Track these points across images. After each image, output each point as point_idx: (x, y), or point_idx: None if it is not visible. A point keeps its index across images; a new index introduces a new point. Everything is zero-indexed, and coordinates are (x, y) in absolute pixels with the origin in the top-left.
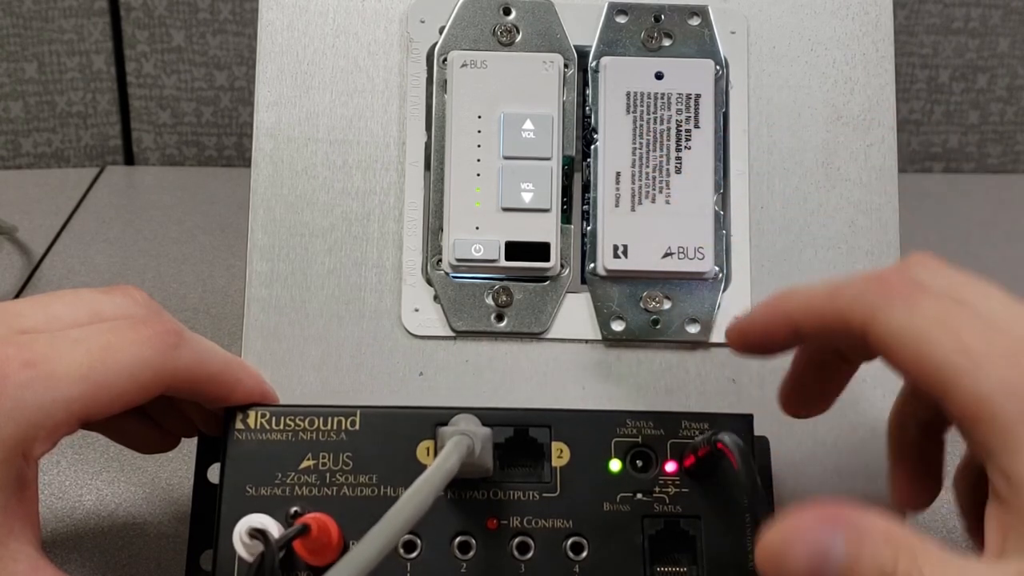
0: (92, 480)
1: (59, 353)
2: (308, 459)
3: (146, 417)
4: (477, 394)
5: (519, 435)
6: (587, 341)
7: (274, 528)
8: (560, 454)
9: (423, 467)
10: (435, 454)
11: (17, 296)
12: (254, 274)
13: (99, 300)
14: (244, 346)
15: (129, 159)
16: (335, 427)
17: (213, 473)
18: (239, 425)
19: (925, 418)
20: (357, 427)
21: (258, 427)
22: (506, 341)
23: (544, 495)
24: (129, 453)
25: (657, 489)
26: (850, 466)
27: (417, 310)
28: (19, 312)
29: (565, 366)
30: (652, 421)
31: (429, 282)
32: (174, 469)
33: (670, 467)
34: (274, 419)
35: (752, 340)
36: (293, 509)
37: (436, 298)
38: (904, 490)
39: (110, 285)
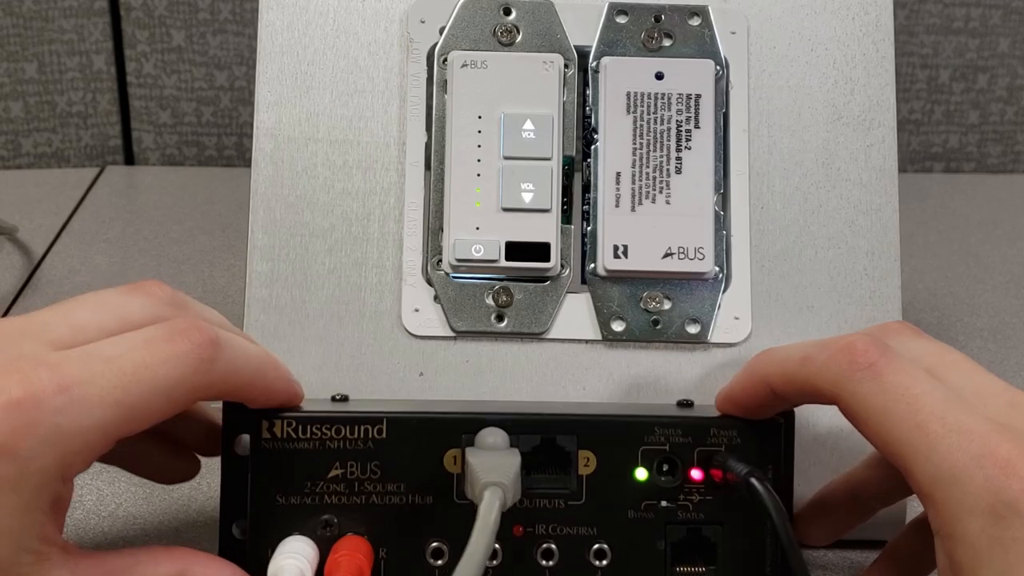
0: (92, 480)
1: (92, 374)
2: (336, 468)
3: (166, 441)
4: (477, 395)
5: (546, 443)
6: (587, 341)
7: (311, 552)
8: (587, 463)
9: (450, 475)
10: (462, 463)
11: (18, 296)
12: (254, 274)
13: (124, 304)
14: None
15: (129, 159)
16: (362, 435)
17: (241, 446)
18: (265, 434)
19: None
20: (384, 435)
21: (284, 436)
22: (506, 341)
23: (570, 503)
24: None
25: (682, 496)
26: (850, 466)
27: (417, 310)
28: (45, 322)
29: (565, 366)
30: (680, 429)
31: (429, 282)
32: None
33: (696, 474)
34: (300, 428)
35: (739, 403)
36: (324, 518)
37: (436, 298)
38: None
39: (133, 283)
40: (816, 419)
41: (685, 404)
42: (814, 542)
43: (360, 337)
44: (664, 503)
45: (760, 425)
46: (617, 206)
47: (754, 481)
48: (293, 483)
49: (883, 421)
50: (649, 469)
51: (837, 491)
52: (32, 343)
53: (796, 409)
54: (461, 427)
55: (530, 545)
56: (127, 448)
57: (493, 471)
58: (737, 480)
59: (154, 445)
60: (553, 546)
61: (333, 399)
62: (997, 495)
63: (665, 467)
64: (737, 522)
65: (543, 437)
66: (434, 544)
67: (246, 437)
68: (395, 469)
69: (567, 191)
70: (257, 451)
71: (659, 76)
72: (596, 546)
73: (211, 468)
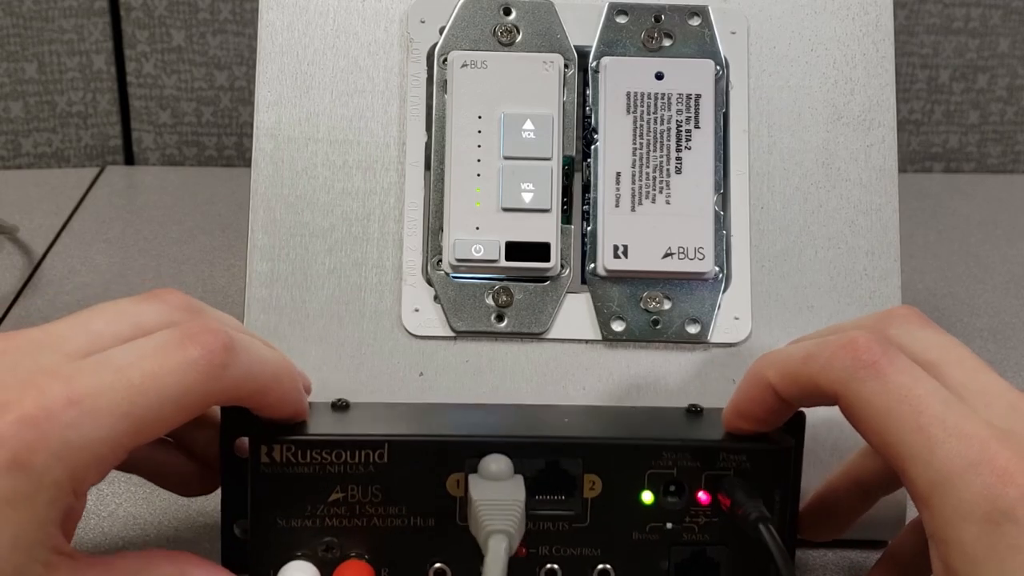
0: None
1: (102, 386)
2: (337, 492)
3: (185, 452)
4: (477, 395)
5: (551, 466)
6: (587, 341)
7: None
8: (592, 486)
9: (453, 498)
10: (465, 487)
11: (18, 296)
12: (254, 274)
13: (140, 312)
14: None
15: (129, 159)
16: (363, 460)
17: (241, 448)
18: (264, 459)
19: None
20: (385, 460)
21: (283, 461)
22: (506, 341)
23: (574, 525)
24: None
25: (688, 519)
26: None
27: (417, 310)
28: (62, 333)
29: (565, 366)
30: (689, 454)
31: (429, 282)
32: None
33: (703, 497)
34: (299, 452)
35: (745, 413)
36: (326, 540)
37: (436, 298)
38: None
39: (148, 291)
40: (817, 420)
41: (694, 411)
42: (821, 538)
43: (360, 337)
44: (669, 525)
45: (770, 449)
46: (617, 206)
47: (762, 528)
48: (293, 506)
49: (885, 422)
50: (655, 492)
51: (838, 484)
52: (49, 355)
53: None
54: (464, 450)
55: (533, 565)
56: (147, 459)
57: (498, 513)
58: (745, 519)
59: (174, 456)
60: (556, 567)
61: (333, 406)
62: (994, 502)
63: (672, 488)
64: (742, 543)
65: (548, 461)
66: (437, 565)
67: (246, 440)
68: (397, 492)
69: (567, 191)
70: (256, 475)
71: (659, 76)
72: (600, 567)
73: None
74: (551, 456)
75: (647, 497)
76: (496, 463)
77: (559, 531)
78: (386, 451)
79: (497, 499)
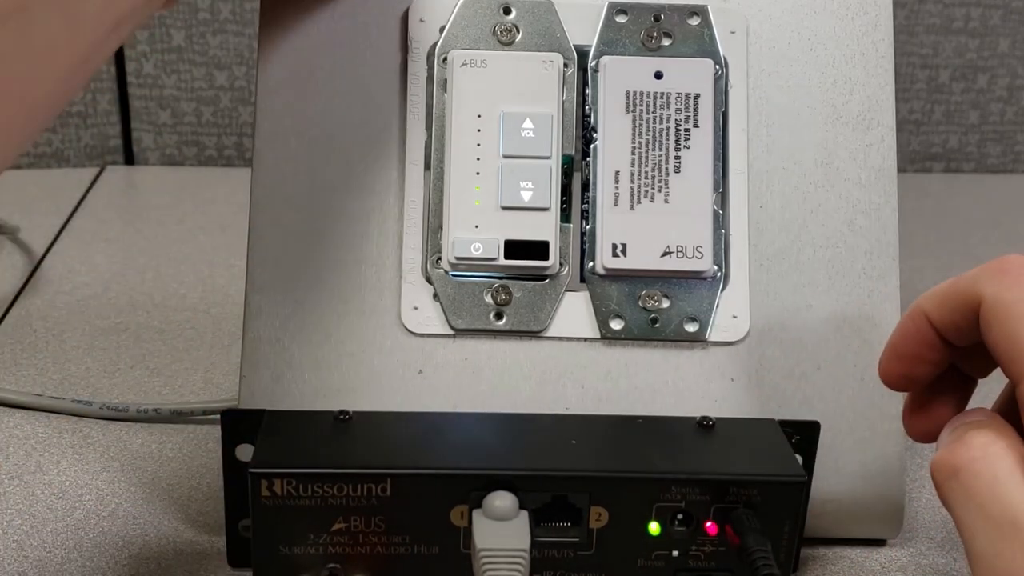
0: (92, 480)
1: None
2: (339, 522)
3: None
4: (476, 393)
5: (557, 500)
6: (586, 340)
7: None
8: (599, 517)
9: (457, 528)
10: (468, 519)
11: (18, 295)
12: (254, 274)
13: None
14: (244, 346)
15: (129, 159)
16: (365, 493)
17: (242, 452)
18: (265, 492)
19: None
20: (388, 493)
21: (284, 494)
22: (505, 339)
23: (579, 552)
24: (129, 453)
25: (694, 547)
26: (849, 465)
27: (416, 308)
28: None
29: (564, 365)
30: (699, 488)
31: (429, 280)
32: (174, 469)
33: (712, 528)
34: (301, 486)
35: (903, 352)
36: (329, 566)
37: (435, 296)
38: None
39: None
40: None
41: (706, 425)
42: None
43: (360, 335)
44: (675, 552)
45: (781, 482)
46: (616, 205)
47: None
48: (295, 536)
49: (1012, 326)
50: (663, 523)
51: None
52: None
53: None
54: (468, 484)
55: None
56: None
57: (503, 564)
58: (754, 571)
59: None
60: None
61: (336, 419)
62: None
63: (680, 517)
64: (746, 571)
65: (554, 495)
66: None
67: (248, 447)
68: (400, 523)
69: (566, 190)
70: (257, 507)
71: (658, 75)
72: None
73: (209, 468)
74: (558, 490)
75: (654, 528)
76: (501, 500)
77: (564, 557)
78: (389, 485)
79: (502, 549)
